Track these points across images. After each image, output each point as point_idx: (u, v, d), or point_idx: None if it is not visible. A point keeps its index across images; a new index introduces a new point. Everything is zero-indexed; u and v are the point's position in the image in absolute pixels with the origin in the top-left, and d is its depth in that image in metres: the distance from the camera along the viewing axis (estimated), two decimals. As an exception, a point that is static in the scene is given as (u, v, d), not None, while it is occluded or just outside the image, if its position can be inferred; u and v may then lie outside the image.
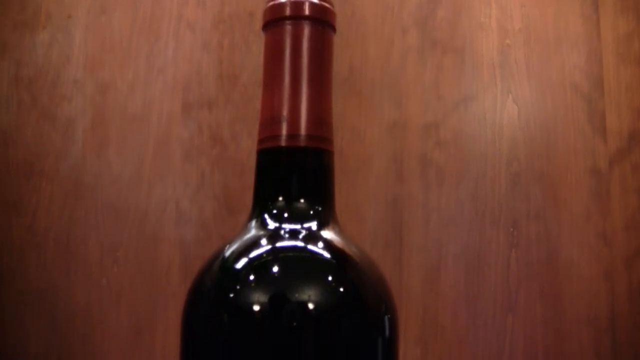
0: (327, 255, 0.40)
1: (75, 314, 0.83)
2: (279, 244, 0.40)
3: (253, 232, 0.40)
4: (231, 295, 0.38)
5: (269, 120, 0.41)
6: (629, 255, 0.86)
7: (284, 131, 0.40)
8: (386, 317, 0.39)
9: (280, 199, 0.40)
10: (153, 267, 0.83)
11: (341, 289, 0.38)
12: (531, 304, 0.85)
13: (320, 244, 0.40)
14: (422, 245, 0.85)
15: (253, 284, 0.37)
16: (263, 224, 0.40)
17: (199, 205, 0.84)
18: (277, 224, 0.40)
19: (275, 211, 0.40)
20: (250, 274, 0.38)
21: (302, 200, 0.41)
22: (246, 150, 0.84)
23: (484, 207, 0.85)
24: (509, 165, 0.87)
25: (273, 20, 0.41)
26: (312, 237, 0.40)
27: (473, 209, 0.85)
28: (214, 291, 0.39)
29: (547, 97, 0.88)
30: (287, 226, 0.40)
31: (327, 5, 0.42)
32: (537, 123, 0.88)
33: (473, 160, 0.86)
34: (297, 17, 0.40)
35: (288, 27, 0.40)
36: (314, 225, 0.40)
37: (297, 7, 0.40)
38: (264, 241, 0.39)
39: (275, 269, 0.38)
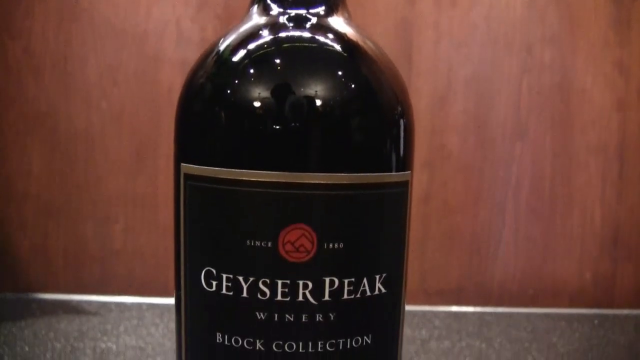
0: (336, 46, 0.34)
1: (76, 137, 0.79)
2: (282, 34, 0.34)
3: (253, 19, 0.35)
4: (229, 91, 0.33)
5: None
6: (644, 86, 0.82)
7: None
8: (402, 121, 0.35)
9: (284, -21, 0.35)
10: (154, 88, 0.78)
11: (352, 85, 0.33)
12: (541, 131, 0.81)
13: (330, 35, 0.34)
14: (431, 68, 0.79)
15: (253, 78, 0.32)
16: (265, 9, 0.35)
17: (200, 25, 0.78)
18: (280, 9, 0.35)
19: (278, -6, 0.35)
20: (249, 67, 0.33)
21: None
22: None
23: (497, 31, 0.80)
24: (526, -14, 0.80)
25: None
26: (320, 25, 0.34)
27: (486, 33, 0.80)
28: (210, 88, 0.34)
29: None
30: (292, 11, 0.34)
31: None
32: (557, -58, 0.80)
33: (488, -20, 0.80)
34: None
35: None
36: (321, 10, 0.35)
37: None
38: (264, 31, 0.34)
39: (278, 60, 0.33)
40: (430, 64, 0.79)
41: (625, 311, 0.81)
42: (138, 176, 0.79)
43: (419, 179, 0.79)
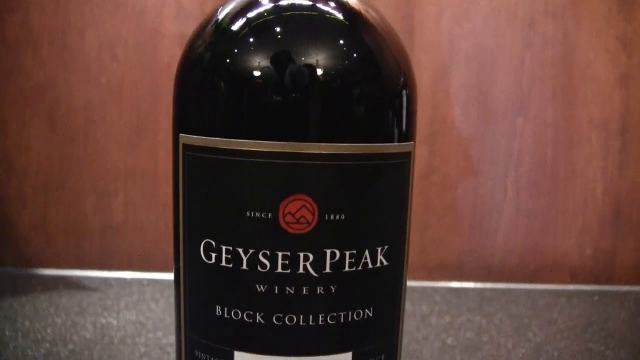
0: (338, 14, 0.33)
1: (76, 112, 0.78)
2: (282, 2, 0.33)
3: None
4: (228, 59, 0.32)
5: None
6: (647, 60, 0.80)
7: None
8: (404, 91, 0.34)
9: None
10: (153, 63, 0.77)
11: (354, 54, 0.32)
12: (543, 105, 0.80)
13: (332, 3, 0.33)
14: (433, 42, 0.78)
15: (252, 46, 0.31)
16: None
17: (199, -2, 0.77)
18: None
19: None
20: (249, 35, 0.32)
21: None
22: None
23: (499, 4, 0.78)
24: (529, -41, 0.79)
25: None
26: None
27: (488, 5, 0.78)
28: (209, 57, 0.33)
29: None
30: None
31: None
32: None
33: (491, -48, 0.79)
34: None
35: None
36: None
37: None
38: (264, -1, 0.33)
39: (278, 28, 0.32)
40: (432, 38, 0.78)
41: (626, 287, 0.81)
42: (138, 150, 0.78)
43: (420, 153, 0.78)
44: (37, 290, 0.71)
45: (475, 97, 0.79)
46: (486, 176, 0.80)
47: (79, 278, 0.77)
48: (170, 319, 0.64)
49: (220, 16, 0.34)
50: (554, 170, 0.81)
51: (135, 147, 0.78)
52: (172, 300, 0.68)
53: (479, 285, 0.80)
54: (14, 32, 0.77)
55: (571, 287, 0.81)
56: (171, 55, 0.76)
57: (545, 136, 0.80)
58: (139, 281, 0.77)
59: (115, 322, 0.62)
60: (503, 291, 0.78)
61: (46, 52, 0.77)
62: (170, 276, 0.76)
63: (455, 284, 0.80)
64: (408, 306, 0.68)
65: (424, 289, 0.77)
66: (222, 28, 0.33)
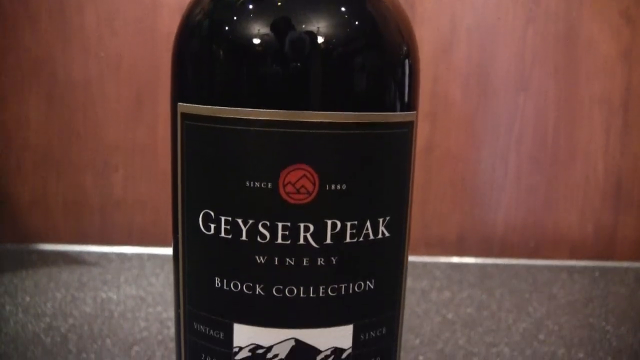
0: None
1: (75, 86, 0.77)
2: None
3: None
4: (227, 26, 0.31)
5: None
6: (650, 35, 0.79)
7: None
8: (407, 60, 0.33)
9: None
10: (152, 36, 0.76)
11: (357, 21, 0.31)
12: (545, 81, 0.79)
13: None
14: (434, 16, 0.77)
15: (252, 13, 0.31)
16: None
17: (199, -30, 0.76)
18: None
19: None
20: (248, 2, 0.31)
21: None
22: None
23: (502, -22, 0.77)
24: None
25: None
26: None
27: (491, -20, 0.77)
28: (207, 23, 0.32)
29: None
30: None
31: None
32: None
33: None
34: None
35: None
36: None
37: None
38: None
39: (278, -5, 0.31)
40: (434, 13, 0.77)
41: (626, 263, 0.81)
42: (137, 125, 0.77)
43: (422, 128, 0.78)
44: (37, 266, 0.71)
45: (476, 72, 0.78)
46: (487, 152, 0.79)
47: (79, 253, 0.76)
48: (170, 294, 0.63)
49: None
50: (555, 146, 0.80)
51: (135, 121, 0.77)
52: (172, 275, 0.68)
53: (480, 260, 0.80)
54: (12, 5, 0.76)
55: (572, 262, 0.80)
56: (170, 28, 0.75)
57: (547, 112, 0.79)
58: (139, 256, 0.76)
59: (115, 296, 0.62)
60: (504, 267, 0.77)
61: (44, 26, 0.76)
62: (170, 251, 0.76)
63: (455, 260, 0.80)
64: (409, 281, 0.68)
65: (425, 264, 0.77)
66: (220, -5, 0.32)
